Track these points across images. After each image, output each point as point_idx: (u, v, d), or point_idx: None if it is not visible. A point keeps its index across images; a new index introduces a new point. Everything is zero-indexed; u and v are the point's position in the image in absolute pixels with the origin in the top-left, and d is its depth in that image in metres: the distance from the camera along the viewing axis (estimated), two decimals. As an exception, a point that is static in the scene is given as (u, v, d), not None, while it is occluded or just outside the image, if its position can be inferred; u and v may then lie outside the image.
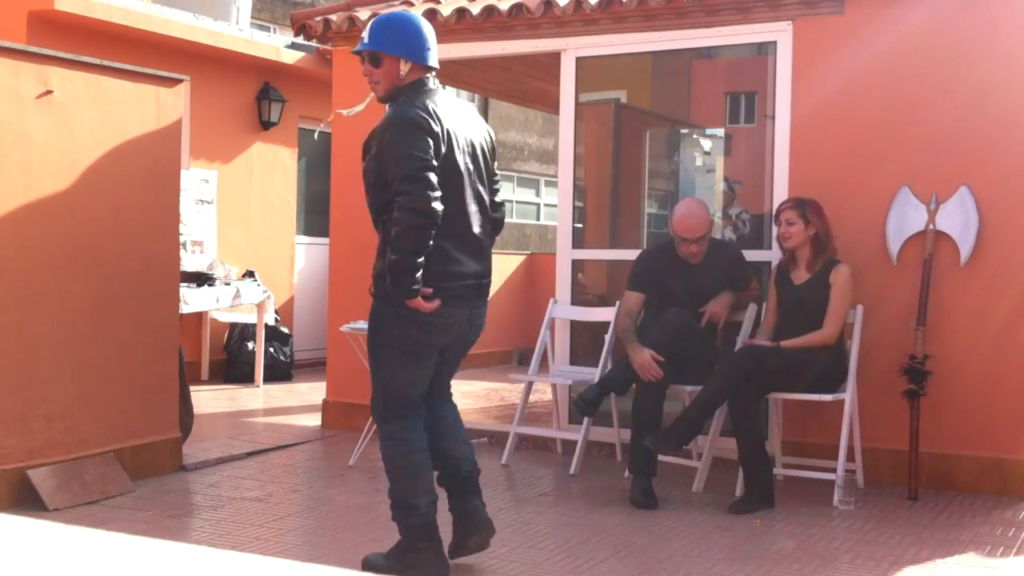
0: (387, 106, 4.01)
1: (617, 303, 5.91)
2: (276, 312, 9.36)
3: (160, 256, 5.61)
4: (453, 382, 4.37)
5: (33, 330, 4.93)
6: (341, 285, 6.97)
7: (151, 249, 5.55)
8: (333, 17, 6.99)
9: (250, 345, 9.12)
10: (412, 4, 6.85)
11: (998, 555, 4.38)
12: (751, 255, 5.92)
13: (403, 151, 3.71)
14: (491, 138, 4.10)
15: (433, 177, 3.71)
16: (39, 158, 4.98)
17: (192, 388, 6.17)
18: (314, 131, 10.35)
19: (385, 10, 6.84)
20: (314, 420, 7.28)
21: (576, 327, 6.55)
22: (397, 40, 3.91)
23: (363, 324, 4.56)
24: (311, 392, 8.55)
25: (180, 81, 5.74)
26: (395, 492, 3.99)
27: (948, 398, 5.45)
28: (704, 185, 8.92)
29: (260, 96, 9.78)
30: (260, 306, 8.94)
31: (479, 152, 3.99)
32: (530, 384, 6.15)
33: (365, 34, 3.97)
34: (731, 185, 8.33)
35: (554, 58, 6.58)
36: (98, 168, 5.25)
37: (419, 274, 3.72)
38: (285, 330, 9.53)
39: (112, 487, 5.11)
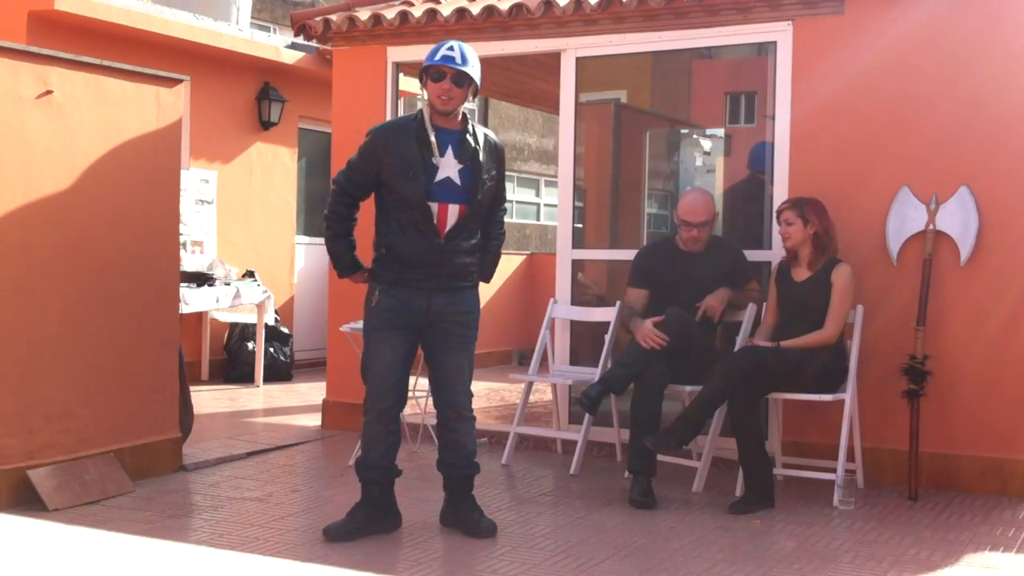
0: (468, 138, 4.44)
1: (617, 303, 5.92)
2: (276, 312, 9.36)
3: (160, 256, 5.61)
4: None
5: (33, 330, 4.93)
6: (341, 285, 6.95)
7: (151, 249, 5.54)
8: (333, 17, 6.99)
9: (250, 345, 9.11)
10: (412, 4, 6.85)
11: (998, 555, 4.38)
12: (751, 255, 5.92)
13: None
14: None
15: None
16: (39, 158, 4.97)
17: (192, 388, 6.17)
18: (313, 130, 10.36)
19: (385, 10, 6.85)
20: (314, 420, 7.28)
21: (576, 327, 6.55)
22: (480, 74, 4.50)
23: (363, 324, 4.60)
24: (311, 392, 8.54)
25: (180, 81, 5.74)
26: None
27: (948, 398, 5.45)
28: (704, 185, 8.91)
29: (260, 96, 9.77)
30: (260, 306, 8.94)
31: None
32: (530, 384, 6.15)
33: (455, 55, 4.36)
34: None
35: (554, 58, 6.58)
36: (98, 168, 5.25)
37: None
38: (285, 330, 9.52)
39: (112, 487, 5.11)
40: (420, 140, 4.38)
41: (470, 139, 4.45)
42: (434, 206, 4.38)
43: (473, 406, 4.62)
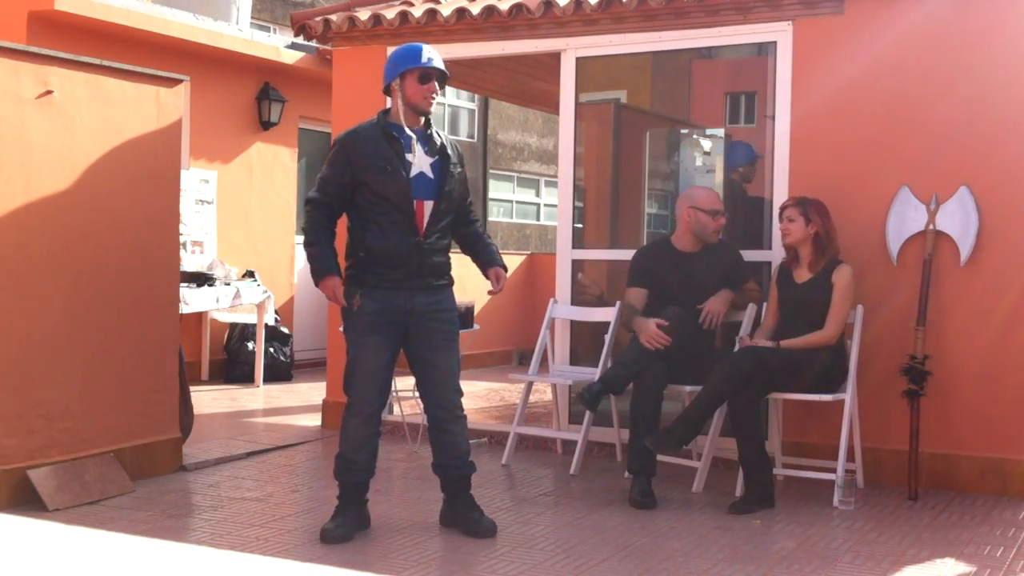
0: (432, 135, 4.54)
1: (618, 303, 5.92)
2: (276, 312, 9.36)
3: (160, 256, 5.61)
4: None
5: (33, 330, 4.93)
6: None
7: (151, 249, 5.54)
8: (333, 17, 6.99)
9: (250, 345, 9.11)
10: (412, 4, 6.85)
11: (998, 555, 4.38)
12: (751, 255, 5.92)
13: None
14: None
15: None
16: (39, 158, 4.98)
17: (192, 388, 6.17)
18: (313, 130, 10.35)
19: (385, 10, 6.85)
20: (314, 420, 7.28)
21: (576, 327, 6.55)
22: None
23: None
24: (311, 392, 8.55)
25: (180, 81, 5.74)
26: None
27: (948, 398, 5.45)
28: (705, 185, 8.90)
29: (260, 96, 9.78)
30: (260, 306, 8.94)
31: None
32: (530, 384, 6.14)
33: (434, 56, 4.51)
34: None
35: (554, 58, 6.59)
36: (98, 168, 5.25)
37: None
38: (285, 330, 9.52)
39: (112, 487, 5.11)
40: (390, 139, 4.46)
41: (435, 135, 4.57)
42: (413, 205, 4.45)
43: (473, 406, 4.62)
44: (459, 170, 4.61)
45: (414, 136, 4.48)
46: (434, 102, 4.52)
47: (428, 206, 4.47)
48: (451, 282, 4.64)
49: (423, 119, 4.55)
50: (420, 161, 4.48)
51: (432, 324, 4.51)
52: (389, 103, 4.62)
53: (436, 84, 4.50)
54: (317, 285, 4.56)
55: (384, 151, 4.43)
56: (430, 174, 4.49)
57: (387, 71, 4.54)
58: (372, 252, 4.45)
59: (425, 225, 4.47)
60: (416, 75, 4.48)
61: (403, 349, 4.57)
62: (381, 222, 4.43)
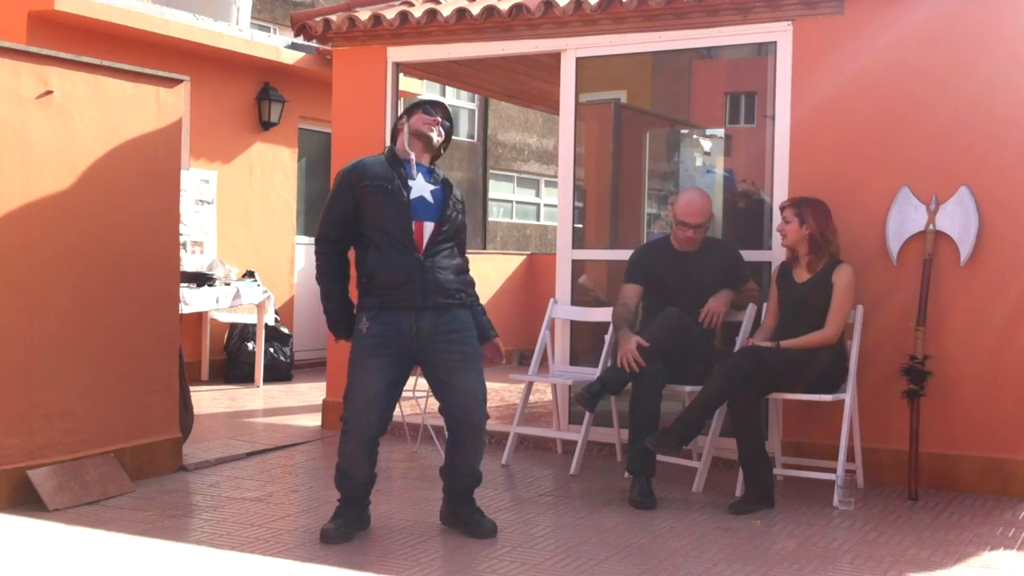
0: (436, 170, 4.64)
1: (617, 303, 5.93)
2: (276, 312, 9.36)
3: (160, 256, 5.61)
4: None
5: (33, 330, 4.93)
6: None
7: (151, 249, 5.55)
8: (333, 17, 6.99)
9: (250, 345, 9.11)
10: (412, 4, 6.85)
11: (998, 555, 4.38)
12: (751, 255, 5.92)
13: None
14: None
15: None
16: (39, 158, 4.98)
17: (192, 388, 6.17)
18: (313, 130, 10.35)
19: (385, 10, 6.85)
20: (314, 420, 7.28)
21: (576, 327, 6.55)
22: (448, 142, 4.75)
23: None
24: (311, 392, 8.55)
25: (180, 81, 5.74)
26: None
27: (948, 398, 5.45)
28: (704, 185, 8.90)
29: (260, 96, 9.78)
30: (260, 306, 8.94)
31: None
32: (530, 384, 6.15)
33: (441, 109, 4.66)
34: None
35: (554, 58, 6.59)
36: (98, 168, 5.25)
37: None
38: (285, 330, 9.52)
39: (112, 487, 5.11)
40: (394, 163, 4.54)
41: (437, 170, 4.65)
42: (411, 223, 4.46)
43: None
44: (460, 206, 4.63)
45: (408, 167, 4.53)
46: (435, 130, 4.56)
47: (428, 227, 4.47)
48: (464, 303, 4.55)
49: (429, 158, 4.61)
50: (421, 187, 4.51)
51: (442, 345, 4.44)
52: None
53: (440, 121, 4.60)
54: (337, 340, 4.69)
55: (387, 173, 4.49)
56: (430, 199, 4.51)
57: (395, 121, 4.73)
58: (373, 275, 4.44)
59: (425, 244, 4.45)
60: (422, 109, 4.62)
61: (423, 373, 4.57)
62: (380, 243, 4.44)
